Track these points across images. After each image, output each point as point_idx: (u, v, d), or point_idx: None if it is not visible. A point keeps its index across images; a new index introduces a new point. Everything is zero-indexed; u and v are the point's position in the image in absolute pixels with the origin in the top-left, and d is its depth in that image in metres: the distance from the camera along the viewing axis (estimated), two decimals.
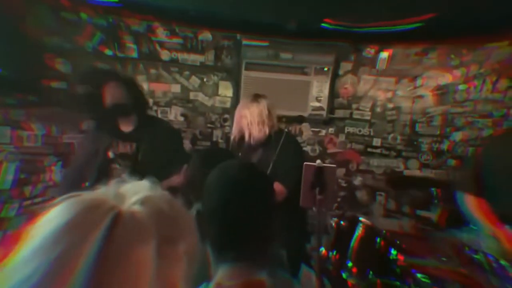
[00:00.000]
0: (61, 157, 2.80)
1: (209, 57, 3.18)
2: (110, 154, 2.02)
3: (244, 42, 3.09)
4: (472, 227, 1.65)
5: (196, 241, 0.53)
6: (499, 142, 1.68)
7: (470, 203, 1.65)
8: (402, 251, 1.91)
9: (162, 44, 3.10)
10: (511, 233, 1.44)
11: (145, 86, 3.07)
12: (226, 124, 3.34)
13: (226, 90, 3.25)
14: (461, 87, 2.98)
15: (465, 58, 2.94)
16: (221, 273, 0.72)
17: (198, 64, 3.17)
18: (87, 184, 1.98)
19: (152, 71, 3.13)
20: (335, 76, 3.13)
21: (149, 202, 0.48)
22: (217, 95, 3.26)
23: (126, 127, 2.04)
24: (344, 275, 1.94)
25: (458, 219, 1.76)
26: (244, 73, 3.13)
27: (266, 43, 3.06)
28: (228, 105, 3.27)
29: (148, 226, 0.45)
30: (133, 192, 0.49)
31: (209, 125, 3.33)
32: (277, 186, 1.89)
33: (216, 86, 3.24)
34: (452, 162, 3.10)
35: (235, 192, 0.78)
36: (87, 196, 0.47)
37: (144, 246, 0.44)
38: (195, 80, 3.22)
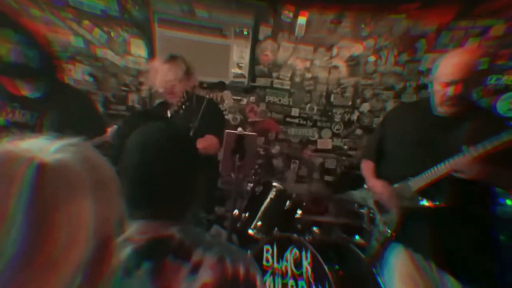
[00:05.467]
0: None
1: (111, 5, 2.79)
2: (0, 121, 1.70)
3: None
4: (363, 187, 1.86)
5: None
6: (393, 115, 1.86)
7: (365, 167, 1.86)
8: (305, 211, 2.14)
9: None
10: (389, 187, 1.65)
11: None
12: (143, 88, 3.08)
13: (139, 49, 2.97)
14: (370, 58, 3.16)
15: (372, 28, 3.07)
16: (133, 228, 0.74)
17: (98, 12, 2.78)
18: None
19: (35, 12, 2.60)
20: (255, 41, 3.06)
21: (70, 149, 0.45)
22: (129, 54, 2.96)
23: (27, 91, 1.73)
24: (251, 231, 2.12)
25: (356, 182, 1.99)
26: (158, 31, 2.86)
27: None
28: (142, 66, 2.99)
29: (78, 172, 0.44)
30: (50, 144, 0.45)
31: (123, 88, 3.03)
32: (210, 138, 1.92)
33: (127, 43, 2.92)
34: (359, 131, 3.35)
35: (154, 152, 0.78)
36: None
37: (80, 192, 0.43)
38: (99, 34, 2.85)
